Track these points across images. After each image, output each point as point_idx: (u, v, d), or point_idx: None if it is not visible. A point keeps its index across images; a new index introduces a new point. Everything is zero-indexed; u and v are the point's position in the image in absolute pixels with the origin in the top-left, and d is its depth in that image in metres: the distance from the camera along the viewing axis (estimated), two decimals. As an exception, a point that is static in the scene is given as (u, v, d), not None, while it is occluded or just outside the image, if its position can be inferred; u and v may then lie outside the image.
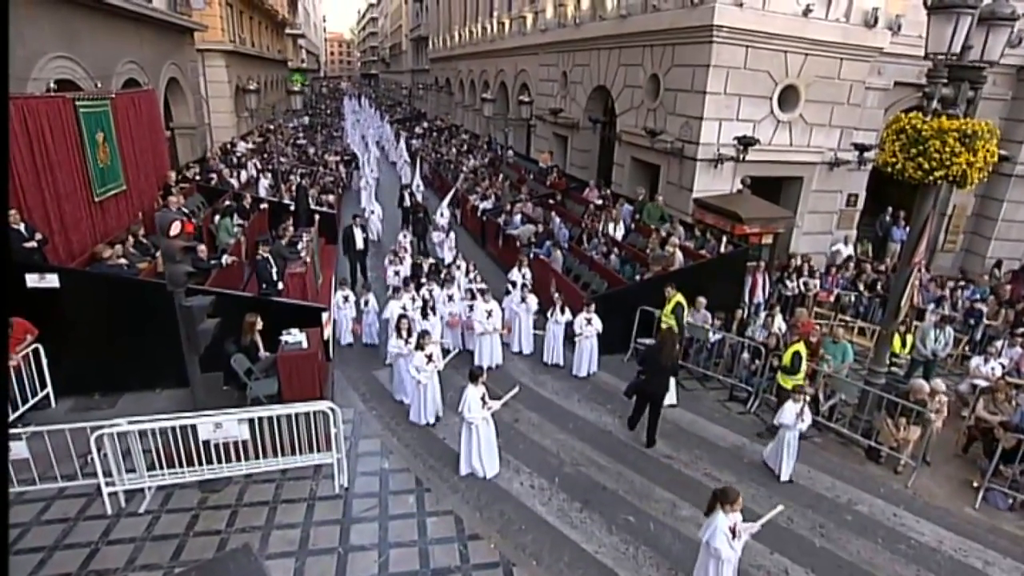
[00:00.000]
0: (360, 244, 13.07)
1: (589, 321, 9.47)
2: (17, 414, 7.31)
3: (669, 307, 9.55)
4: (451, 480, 7.04)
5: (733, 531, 4.98)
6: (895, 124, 6.78)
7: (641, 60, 15.43)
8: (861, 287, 12.97)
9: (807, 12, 12.69)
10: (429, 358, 7.82)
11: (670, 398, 8.81)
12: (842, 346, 9.13)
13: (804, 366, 8.13)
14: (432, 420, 8.17)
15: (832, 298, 12.89)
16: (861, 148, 14.28)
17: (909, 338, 9.80)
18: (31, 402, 7.58)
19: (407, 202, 16.23)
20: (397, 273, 11.42)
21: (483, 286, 10.31)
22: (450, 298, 10.24)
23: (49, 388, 7.90)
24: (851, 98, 14.16)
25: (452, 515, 6.36)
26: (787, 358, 8.09)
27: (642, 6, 14.98)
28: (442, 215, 15.65)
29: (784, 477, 7.33)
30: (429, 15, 46.88)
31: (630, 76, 16.16)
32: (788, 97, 13.65)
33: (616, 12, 16.18)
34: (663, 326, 9.24)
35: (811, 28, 12.90)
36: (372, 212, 16.93)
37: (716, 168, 13.58)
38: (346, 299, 10.48)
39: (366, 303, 10.38)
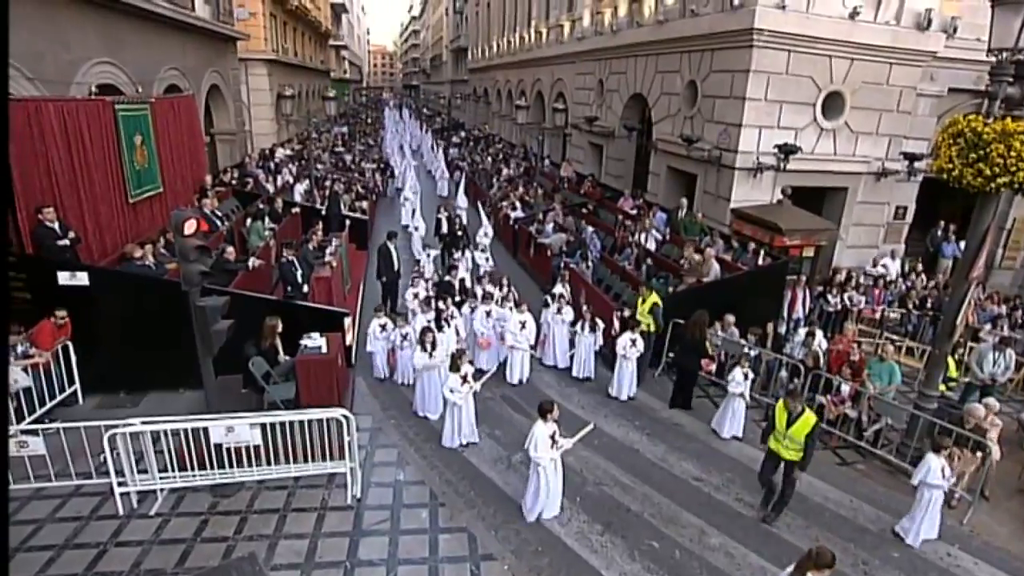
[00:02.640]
0: (396, 264, 11.76)
1: (634, 342, 8.89)
2: (44, 410, 7.38)
3: (646, 307, 9.33)
4: (467, 495, 6.76)
5: None
6: (952, 127, 6.27)
7: (678, 66, 15.05)
8: (910, 304, 12.24)
9: (854, 15, 12.13)
10: (464, 379, 7.40)
11: (736, 430, 8.32)
12: (889, 366, 8.54)
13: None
14: (465, 443, 7.69)
15: (877, 315, 12.20)
16: (911, 157, 13.54)
17: (960, 358, 9.19)
18: (58, 398, 7.65)
19: (444, 228, 14.65)
20: (416, 296, 10.19)
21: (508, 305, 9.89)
22: (487, 314, 9.64)
23: (77, 385, 7.98)
24: (901, 105, 13.48)
25: (466, 532, 6.10)
26: (801, 432, 6.17)
27: (680, 11, 14.63)
28: (486, 235, 14.50)
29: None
30: (469, 26, 47.37)
31: (667, 83, 15.79)
32: (833, 104, 13.08)
33: (653, 18, 15.87)
34: (642, 326, 9.18)
35: (858, 31, 12.33)
36: (416, 229, 15.60)
37: (755, 177, 13.07)
38: (383, 328, 9.18)
39: (405, 336, 9.05)
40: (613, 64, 19.27)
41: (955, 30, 13.06)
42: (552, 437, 6.06)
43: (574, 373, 9.85)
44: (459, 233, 14.33)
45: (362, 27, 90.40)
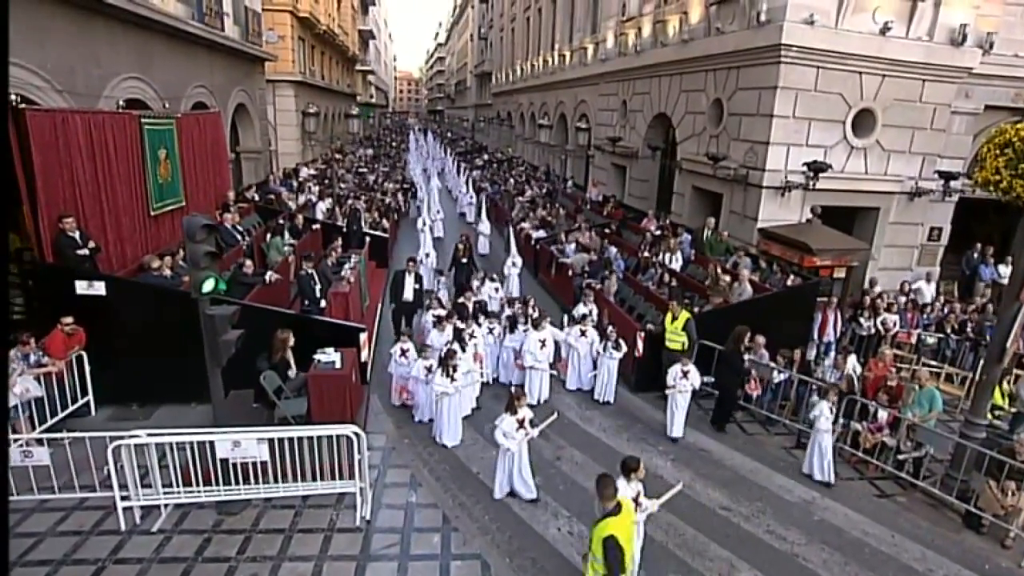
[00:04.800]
0: (409, 295, 10.92)
1: (685, 374, 8.25)
2: (56, 420, 7.27)
3: (679, 324, 9.04)
4: (481, 520, 6.44)
5: None
6: (998, 138, 5.94)
7: (703, 85, 14.87)
8: (948, 329, 11.68)
9: (885, 30, 11.83)
10: (521, 423, 6.60)
11: (828, 474, 7.55)
12: (929, 392, 8.07)
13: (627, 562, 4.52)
14: (534, 495, 6.82)
15: (913, 339, 11.65)
16: (946, 177, 13.06)
17: (1007, 387, 8.65)
18: (70, 408, 7.54)
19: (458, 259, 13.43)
20: (437, 319, 9.37)
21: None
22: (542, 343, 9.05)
23: (90, 396, 7.89)
24: (935, 123, 13.07)
25: (479, 560, 5.77)
26: (595, 545, 4.46)
27: (705, 30, 14.50)
28: (514, 264, 13.85)
29: None
30: (493, 51, 48.07)
31: (692, 102, 15.60)
32: (863, 121, 12.72)
33: (678, 37, 15.76)
34: (672, 345, 8.99)
35: (890, 47, 12.01)
36: (427, 256, 14.55)
37: (783, 196, 12.71)
38: (404, 353, 8.62)
39: (429, 369, 8.09)
40: (637, 84, 19.18)
41: (991, 46, 12.67)
42: (635, 499, 5.10)
43: (595, 395, 9.51)
44: (464, 261, 13.35)
45: (389, 53, 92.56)
